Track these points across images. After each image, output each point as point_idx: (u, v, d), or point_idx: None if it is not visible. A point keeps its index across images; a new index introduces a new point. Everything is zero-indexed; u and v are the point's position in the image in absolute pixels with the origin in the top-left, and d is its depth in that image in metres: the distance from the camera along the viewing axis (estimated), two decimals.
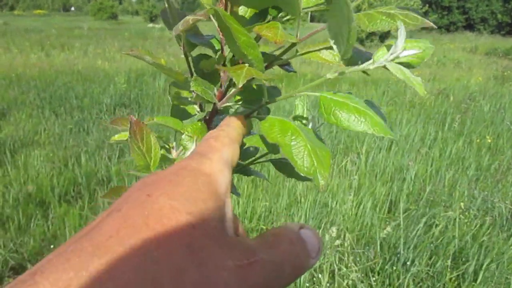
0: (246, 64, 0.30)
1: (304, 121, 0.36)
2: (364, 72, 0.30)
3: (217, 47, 0.38)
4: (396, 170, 3.36)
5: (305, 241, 0.28)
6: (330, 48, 0.34)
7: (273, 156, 0.38)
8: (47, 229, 2.48)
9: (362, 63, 0.29)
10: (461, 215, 2.61)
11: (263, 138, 0.35)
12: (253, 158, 0.40)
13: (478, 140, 4.19)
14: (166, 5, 0.37)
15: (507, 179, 3.32)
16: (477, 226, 2.56)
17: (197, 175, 0.26)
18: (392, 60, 0.28)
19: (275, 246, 0.26)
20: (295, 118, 0.36)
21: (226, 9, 0.35)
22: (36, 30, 16.41)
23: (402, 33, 0.27)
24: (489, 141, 4.15)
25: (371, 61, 0.29)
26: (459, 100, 5.94)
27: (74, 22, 26.36)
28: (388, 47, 0.29)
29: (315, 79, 7.19)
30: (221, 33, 0.34)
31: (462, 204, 2.71)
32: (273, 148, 0.34)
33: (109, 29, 19.99)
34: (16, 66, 7.20)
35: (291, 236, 0.27)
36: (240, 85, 0.29)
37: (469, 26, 32.89)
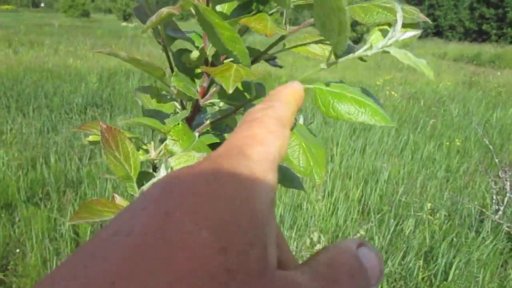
0: (233, 64, 0.28)
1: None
2: (361, 59, 0.29)
3: (197, 42, 0.36)
4: (370, 172, 3.41)
5: (365, 268, 0.22)
6: (319, 42, 0.32)
7: None
8: (13, 233, 2.38)
9: (344, 55, 0.28)
10: (430, 216, 2.68)
11: None
12: None
13: (448, 143, 4.31)
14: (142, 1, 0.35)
15: (475, 181, 3.43)
16: (447, 226, 2.63)
17: (232, 185, 0.19)
18: (391, 44, 0.27)
19: (333, 283, 0.20)
20: None
21: (207, 5, 0.34)
22: (3, 26, 15.81)
23: (400, 15, 0.26)
24: (458, 144, 4.27)
25: (368, 46, 0.28)
26: (430, 104, 6.10)
27: (44, 19, 25.58)
28: (383, 31, 0.28)
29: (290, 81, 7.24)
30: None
31: (429, 204, 2.77)
32: None
33: (81, 26, 19.50)
34: None
35: (351, 263, 0.21)
36: (230, 91, 0.26)
37: (438, 33, 33.98)
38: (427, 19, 0.30)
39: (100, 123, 0.32)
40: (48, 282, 0.16)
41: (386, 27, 0.28)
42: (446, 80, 8.57)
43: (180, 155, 0.31)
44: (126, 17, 31.43)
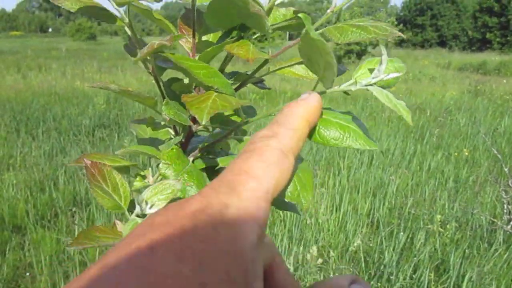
0: (213, 93, 0.29)
1: None
2: (345, 92, 0.30)
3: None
4: (378, 185, 3.38)
5: None
6: (303, 63, 0.33)
7: None
8: (22, 256, 2.39)
9: (338, 76, 0.29)
10: (441, 228, 2.64)
11: None
12: None
13: (456, 153, 4.27)
14: (130, 35, 0.36)
15: (485, 190, 3.39)
16: (459, 237, 2.59)
17: (217, 224, 0.20)
18: (375, 83, 0.28)
19: None
20: None
21: (194, 36, 0.35)
22: (12, 51, 16.16)
23: (385, 57, 0.28)
24: (466, 153, 4.24)
25: (352, 81, 0.29)
26: (436, 114, 6.08)
27: (51, 43, 26.10)
28: (371, 70, 0.29)
29: (295, 96, 7.26)
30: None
31: (440, 216, 2.73)
32: None
33: (88, 49, 19.86)
34: None
35: None
36: (203, 122, 0.27)
37: (442, 43, 34.04)
38: (401, 35, 0.31)
39: (84, 159, 0.33)
40: None
41: (374, 66, 0.29)
42: (452, 90, 8.55)
43: (155, 185, 0.32)
44: None
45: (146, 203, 0.32)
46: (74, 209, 2.90)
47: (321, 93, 0.29)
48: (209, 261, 0.18)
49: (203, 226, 0.19)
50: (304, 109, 0.26)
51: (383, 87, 0.28)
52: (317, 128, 0.28)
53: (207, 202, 0.21)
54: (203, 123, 0.27)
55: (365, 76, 0.29)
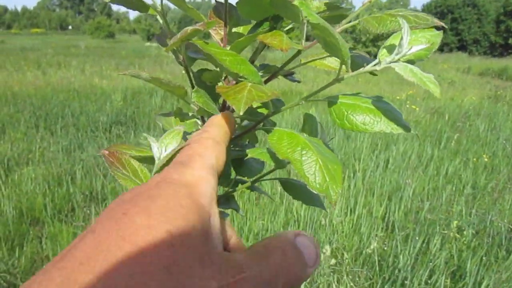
0: (247, 84, 0.29)
1: (313, 133, 0.34)
2: (371, 73, 0.29)
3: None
4: (393, 188, 3.34)
5: (300, 250, 0.26)
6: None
7: (280, 174, 0.36)
8: (40, 249, 2.43)
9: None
10: (457, 234, 2.60)
11: (270, 152, 0.34)
12: (260, 175, 0.38)
13: (474, 159, 4.20)
14: (162, 23, 0.37)
15: (504, 198, 3.31)
16: (475, 244, 2.54)
17: (177, 187, 0.24)
18: (399, 59, 0.27)
19: (266, 259, 0.24)
20: (304, 130, 0.35)
21: (226, 27, 0.35)
22: (33, 48, 16.49)
23: (406, 30, 0.26)
24: (486, 160, 4.16)
25: (377, 61, 0.28)
26: (454, 118, 5.98)
27: (71, 41, 26.56)
28: (390, 47, 0.28)
29: None
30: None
31: (456, 222, 2.69)
32: (279, 162, 0.33)
33: (106, 47, 20.14)
34: (12, 84, 7.19)
35: (285, 246, 0.26)
36: (241, 113, 0.27)
37: (462, 47, 33.48)
38: (442, 23, 0.30)
39: (102, 150, 0.34)
40: (38, 274, 0.21)
41: (395, 42, 0.28)
42: (471, 94, 8.40)
43: (169, 131, 0.33)
44: (149, 37, 32.27)
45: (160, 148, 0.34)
46: (90, 204, 2.94)
47: (341, 79, 0.28)
48: (172, 214, 0.22)
49: (165, 190, 0.24)
50: (221, 116, 0.32)
51: (412, 61, 0.27)
52: (345, 114, 0.28)
53: (166, 175, 0.25)
54: (241, 113, 0.27)
55: (387, 54, 0.28)
